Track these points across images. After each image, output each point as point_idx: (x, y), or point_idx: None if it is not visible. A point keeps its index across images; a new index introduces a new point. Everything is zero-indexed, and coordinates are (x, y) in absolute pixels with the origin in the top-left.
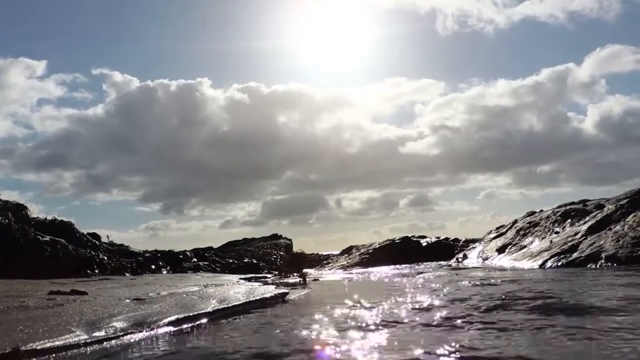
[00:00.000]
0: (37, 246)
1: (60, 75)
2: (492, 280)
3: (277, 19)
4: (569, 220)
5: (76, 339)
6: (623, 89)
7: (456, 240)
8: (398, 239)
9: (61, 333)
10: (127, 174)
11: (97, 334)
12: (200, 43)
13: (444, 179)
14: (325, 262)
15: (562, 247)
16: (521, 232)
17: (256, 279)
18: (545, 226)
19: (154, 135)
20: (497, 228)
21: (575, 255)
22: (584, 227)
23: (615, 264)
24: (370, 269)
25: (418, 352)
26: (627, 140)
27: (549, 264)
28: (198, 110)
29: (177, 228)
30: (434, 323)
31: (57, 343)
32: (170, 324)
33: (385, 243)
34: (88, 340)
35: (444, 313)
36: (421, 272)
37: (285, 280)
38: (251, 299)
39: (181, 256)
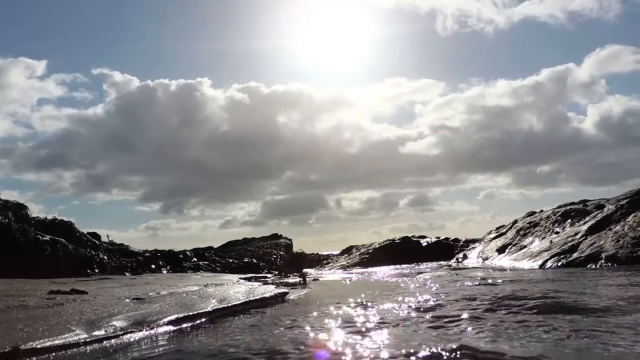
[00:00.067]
0: (37, 246)
1: (61, 75)
2: (492, 280)
3: (277, 19)
4: (569, 221)
5: (76, 338)
6: (623, 89)
7: (456, 240)
8: (398, 239)
9: (61, 332)
10: (127, 173)
11: (96, 333)
12: (200, 43)
13: (444, 179)
14: (325, 262)
15: (562, 247)
16: (521, 232)
17: (256, 279)
18: (545, 226)
19: (154, 135)
20: (497, 228)
21: (575, 255)
22: (584, 227)
23: (615, 264)
24: (370, 269)
25: (418, 351)
26: (627, 140)
27: (549, 264)
28: (198, 110)
29: (177, 228)
30: (434, 323)
31: (56, 342)
32: (170, 323)
33: (385, 243)
34: (88, 339)
35: (444, 313)
36: (421, 272)
37: (285, 280)
38: (251, 299)
39: (181, 256)
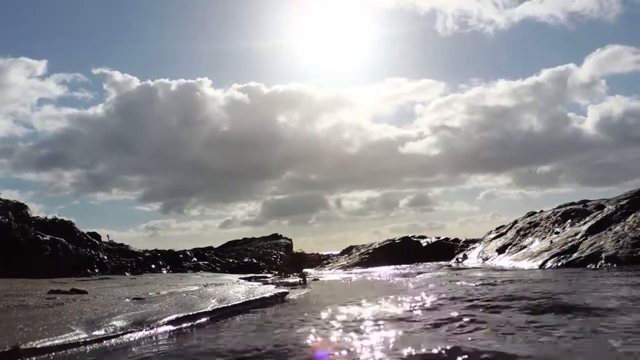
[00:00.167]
0: (37, 245)
1: (61, 74)
2: (492, 281)
3: (277, 19)
4: (569, 221)
5: (76, 337)
6: (623, 89)
7: (456, 240)
8: (398, 239)
9: (61, 332)
10: (127, 173)
11: (96, 332)
12: (200, 43)
13: (444, 179)
14: (325, 262)
15: (562, 248)
16: (521, 233)
17: (256, 279)
18: (546, 226)
19: (154, 135)
20: (497, 228)
21: (575, 255)
22: (584, 228)
23: (615, 265)
24: (370, 269)
25: (418, 351)
26: (627, 140)
27: (549, 264)
28: (198, 110)
29: (177, 228)
30: (434, 323)
31: (56, 342)
32: (169, 323)
33: (385, 243)
34: (88, 339)
35: (443, 312)
36: (421, 272)
37: (285, 280)
38: (251, 299)
39: (181, 256)
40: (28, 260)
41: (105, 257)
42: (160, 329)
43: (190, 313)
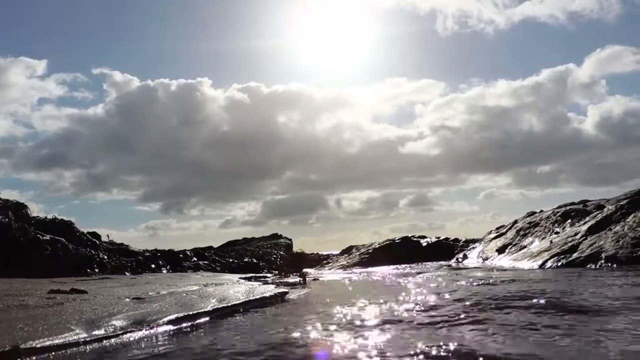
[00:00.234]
0: (37, 245)
1: (61, 74)
2: (492, 280)
3: (277, 19)
4: (569, 221)
5: (76, 337)
6: (623, 89)
7: (456, 240)
8: (398, 239)
9: (61, 331)
10: (127, 173)
11: (96, 332)
12: (200, 43)
13: (444, 179)
14: (325, 262)
15: (562, 248)
16: (521, 233)
17: (256, 279)
18: (545, 226)
19: (154, 135)
20: (497, 228)
21: (575, 255)
22: (584, 228)
23: (615, 265)
24: (370, 269)
25: (417, 351)
26: (627, 140)
27: (548, 264)
28: (198, 110)
29: (177, 227)
30: (434, 322)
31: (56, 341)
32: (169, 322)
33: (385, 243)
34: (87, 339)
35: (443, 312)
36: (421, 272)
37: (285, 279)
38: (251, 298)
39: (181, 255)
40: (28, 260)
41: (105, 257)
42: (160, 329)
43: (190, 313)
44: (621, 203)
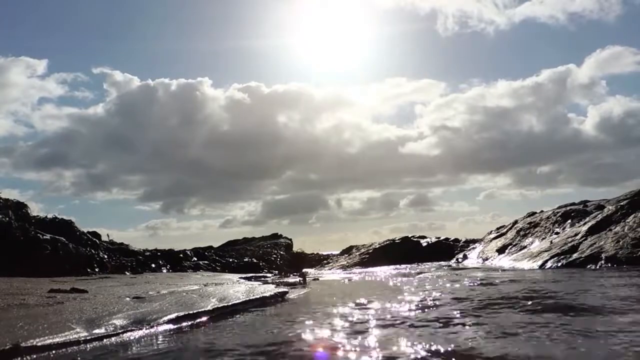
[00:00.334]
0: (38, 244)
1: (61, 74)
2: (492, 281)
3: (277, 18)
4: (569, 221)
5: (76, 336)
6: (623, 90)
7: (456, 240)
8: (398, 239)
9: (61, 330)
10: (127, 173)
11: (96, 331)
12: (200, 43)
13: (444, 179)
14: (325, 262)
15: (562, 248)
16: (521, 233)
17: (256, 278)
18: (546, 227)
19: (154, 135)
20: (497, 228)
21: (575, 255)
22: (584, 228)
23: (615, 265)
24: (370, 269)
25: (417, 350)
26: (627, 141)
27: (548, 264)
28: (198, 110)
29: (177, 227)
30: (434, 322)
31: (57, 340)
32: (169, 322)
33: (385, 243)
34: (88, 338)
35: (443, 313)
36: (421, 272)
37: (285, 279)
38: (251, 298)
39: (181, 255)
40: (28, 259)
41: (106, 257)
42: (161, 328)
43: (191, 312)
44: (621, 203)
